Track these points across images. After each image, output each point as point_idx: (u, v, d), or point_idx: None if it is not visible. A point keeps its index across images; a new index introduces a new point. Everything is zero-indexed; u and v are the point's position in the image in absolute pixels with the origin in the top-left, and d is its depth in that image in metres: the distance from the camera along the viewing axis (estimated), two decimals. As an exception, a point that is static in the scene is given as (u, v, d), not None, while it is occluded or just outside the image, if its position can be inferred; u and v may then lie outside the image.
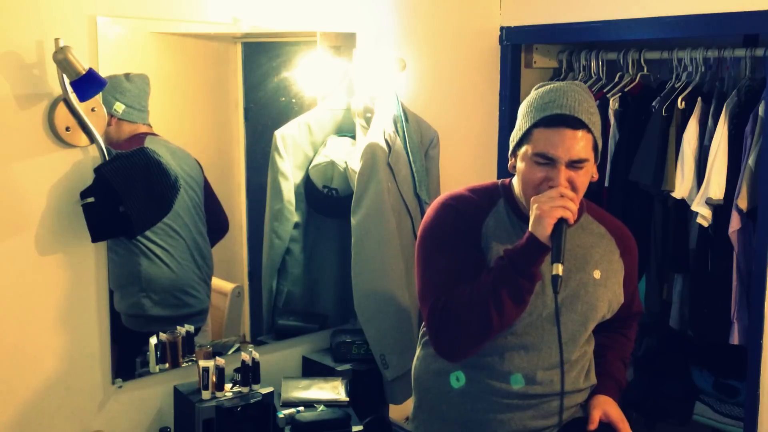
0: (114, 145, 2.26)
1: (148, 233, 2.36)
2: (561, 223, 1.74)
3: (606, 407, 1.99)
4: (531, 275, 1.77)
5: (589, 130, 1.80)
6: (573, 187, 1.79)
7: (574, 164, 1.78)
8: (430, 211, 1.97)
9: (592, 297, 1.93)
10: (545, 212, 1.74)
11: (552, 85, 1.88)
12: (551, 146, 1.78)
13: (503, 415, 1.92)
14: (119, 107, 2.32)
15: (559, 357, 1.87)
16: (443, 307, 1.83)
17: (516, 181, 1.92)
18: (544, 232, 1.74)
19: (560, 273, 1.72)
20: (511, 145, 1.90)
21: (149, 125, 2.40)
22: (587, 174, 1.83)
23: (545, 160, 1.79)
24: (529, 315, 1.87)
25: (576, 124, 1.78)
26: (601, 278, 1.95)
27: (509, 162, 1.92)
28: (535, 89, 1.93)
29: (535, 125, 1.81)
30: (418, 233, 1.97)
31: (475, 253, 1.89)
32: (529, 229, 1.77)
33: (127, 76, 2.33)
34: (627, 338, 2.18)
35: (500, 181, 2.01)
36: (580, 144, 1.78)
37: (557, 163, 1.78)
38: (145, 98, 2.39)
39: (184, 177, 2.45)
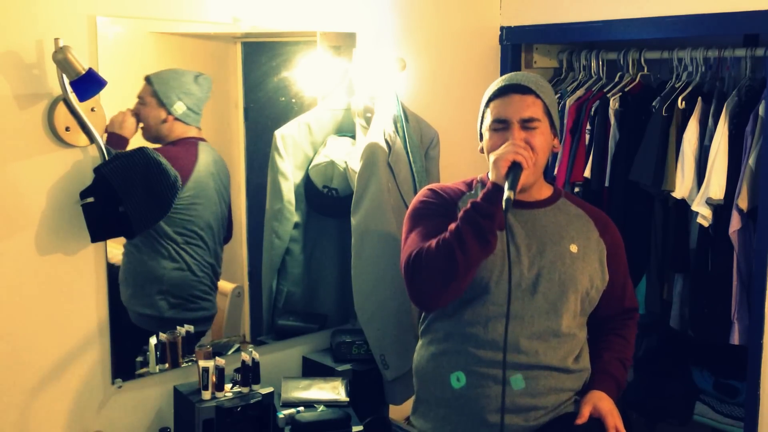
0: (160, 142, 2.35)
1: (176, 237, 2.39)
2: (515, 165, 1.90)
3: (597, 402, 2.00)
4: (491, 214, 1.87)
5: (538, 96, 1.99)
6: (530, 147, 1.95)
7: (526, 124, 1.97)
8: (413, 199, 2.14)
9: (570, 268, 2.01)
10: (500, 157, 1.91)
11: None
12: (503, 110, 1.98)
13: (493, 388, 1.95)
14: (179, 108, 2.36)
15: (506, 312, 1.91)
16: (415, 256, 1.94)
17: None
18: (500, 173, 1.89)
19: (511, 197, 1.84)
20: (478, 131, 2.09)
21: (199, 128, 2.45)
22: (543, 136, 1.99)
23: (500, 124, 1.98)
24: (506, 284, 1.94)
25: (523, 90, 1.99)
26: (578, 252, 2.04)
27: (479, 147, 2.08)
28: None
29: (490, 100, 2.03)
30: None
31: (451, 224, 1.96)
32: (489, 177, 1.93)
33: (197, 77, 2.36)
34: (623, 338, 2.17)
35: (480, 175, 2.16)
36: (528, 105, 1.98)
37: (510, 124, 1.97)
38: (204, 103, 2.43)
39: (221, 188, 2.50)
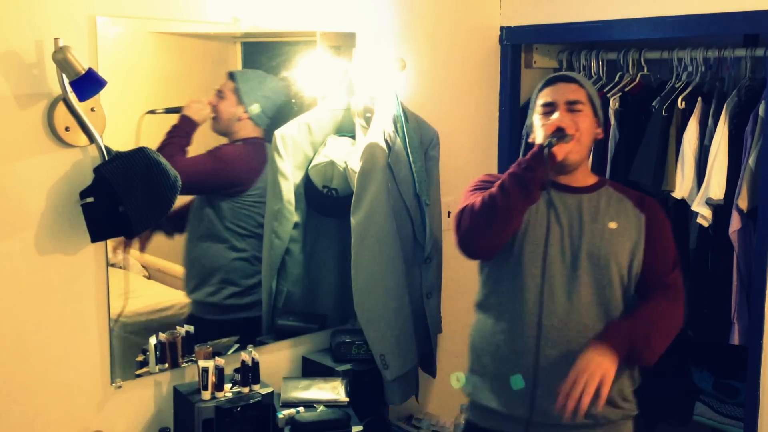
0: (227, 137, 2.51)
1: (240, 230, 2.56)
2: (558, 129, 2.08)
3: (580, 362, 1.98)
4: (532, 167, 2.04)
5: (581, 85, 2.17)
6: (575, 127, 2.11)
7: (571, 106, 2.13)
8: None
9: (608, 243, 2.12)
10: (546, 124, 2.11)
11: None
12: (550, 95, 2.17)
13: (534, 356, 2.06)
14: (255, 109, 2.51)
15: (540, 286, 2.09)
16: (463, 207, 2.15)
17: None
18: (545, 134, 2.09)
19: (553, 142, 2.05)
20: (530, 128, 2.24)
21: (264, 129, 2.57)
22: (587, 118, 2.14)
23: (548, 107, 2.15)
24: (550, 258, 2.09)
25: (568, 79, 2.19)
26: (618, 228, 2.14)
27: (529, 140, 2.25)
28: None
29: (538, 92, 2.21)
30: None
31: None
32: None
33: (277, 81, 2.51)
34: (653, 303, 2.12)
35: None
36: (572, 90, 2.15)
37: (557, 105, 2.13)
38: (277, 107, 2.57)
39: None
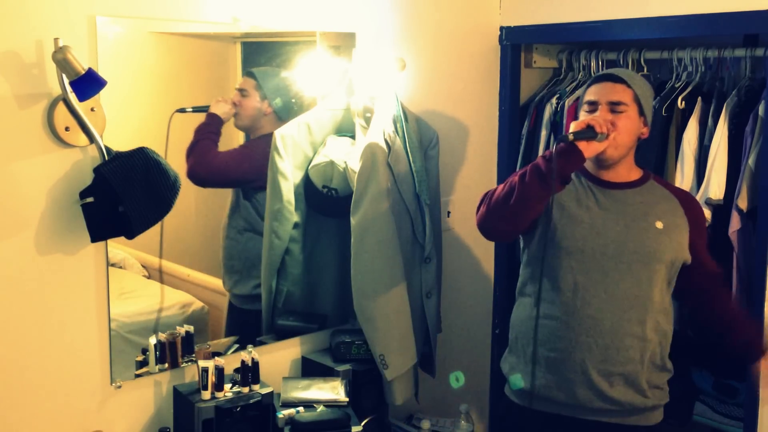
0: (249, 133, 2.61)
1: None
2: (588, 127, 2.12)
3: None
4: (551, 159, 2.10)
5: (629, 86, 2.20)
6: (613, 125, 2.17)
7: (613, 106, 2.18)
8: None
9: (654, 242, 2.20)
10: (577, 122, 2.15)
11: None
12: (594, 94, 2.22)
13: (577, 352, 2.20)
14: (279, 102, 2.59)
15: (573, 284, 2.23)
16: (486, 193, 2.25)
17: None
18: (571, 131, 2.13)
19: (570, 137, 2.11)
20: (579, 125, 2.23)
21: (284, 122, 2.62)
22: (629, 120, 2.19)
23: (591, 106, 2.21)
24: (593, 252, 2.19)
25: (615, 79, 2.22)
26: (664, 228, 2.22)
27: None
28: None
29: (586, 88, 2.27)
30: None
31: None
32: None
33: (289, 75, 2.60)
34: (731, 303, 2.43)
35: None
36: (617, 91, 2.19)
37: (599, 105, 2.19)
38: (292, 100, 2.63)
39: None
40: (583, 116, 2.22)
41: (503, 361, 2.42)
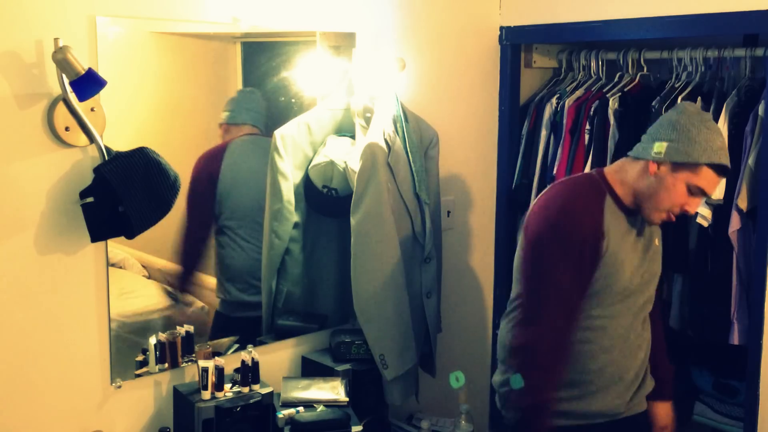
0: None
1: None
2: None
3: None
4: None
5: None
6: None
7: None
8: (544, 212, 2.16)
9: (657, 263, 2.30)
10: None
11: (711, 123, 2.12)
12: (711, 187, 2.10)
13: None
14: (224, 115, 2.56)
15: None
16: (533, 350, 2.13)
17: (639, 182, 2.14)
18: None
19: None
20: (673, 156, 2.07)
21: (254, 126, 2.62)
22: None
23: (699, 192, 2.10)
24: (640, 283, 2.22)
25: (726, 175, 2.17)
26: (660, 244, 2.31)
27: (652, 167, 2.09)
28: (699, 116, 2.11)
29: (710, 166, 2.07)
30: (534, 236, 2.15)
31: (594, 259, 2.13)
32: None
33: (240, 91, 2.61)
34: (658, 328, 2.42)
35: (593, 171, 2.29)
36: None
37: (704, 196, 2.13)
38: (252, 101, 2.61)
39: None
40: (681, 195, 2.10)
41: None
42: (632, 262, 2.18)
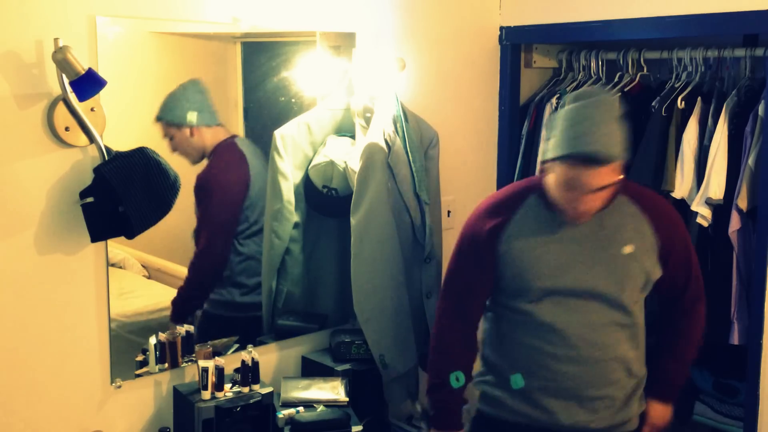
0: (205, 157, 2.51)
1: (246, 232, 2.59)
2: None
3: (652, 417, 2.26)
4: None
5: (617, 160, 1.94)
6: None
7: (597, 189, 1.95)
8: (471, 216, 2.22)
9: (623, 269, 2.07)
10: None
11: (585, 108, 1.95)
12: (578, 180, 1.93)
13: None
14: (192, 116, 2.46)
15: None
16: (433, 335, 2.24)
17: (545, 182, 2.06)
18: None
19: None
20: (548, 153, 2.02)
21: (221, 125, 2.54)
22: (613, 187, 1.99)
23: (571, 188, 1.95)
24: (565, 287, 2.06)
25: (603, 161, 1.91)
26: (634, 252, 2.07)
27: (538, 167, 2.09)
28: (572, 101, 2.00)
29: (569, 156, 1.93)
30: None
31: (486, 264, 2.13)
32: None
33: (182, 87, 2.45)
34: (677, 330, 2.24)
35: (537, 176, 2.17)
36: (603, 175, 1.93)
37: (583, 191, 1.94)
38: (206, 99, 2.52)
39: (265, 173, 2.63)
40: (561, 189, 1.97)
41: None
42: (557, 262, 2.06)
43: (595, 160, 1.90)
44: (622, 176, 2.00)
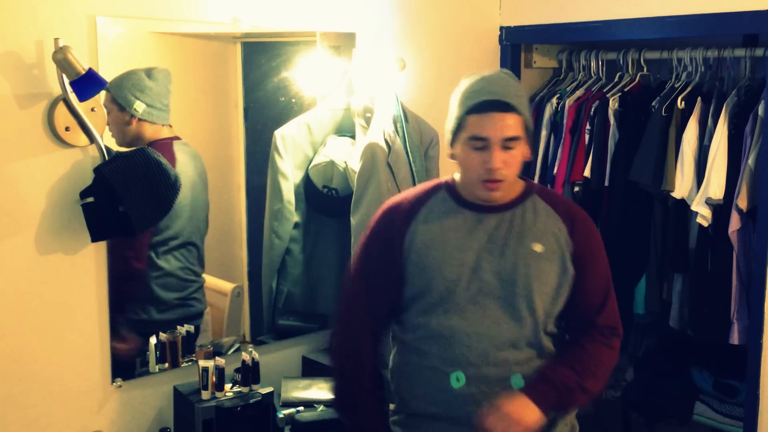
0: (134, 145, 2.27)
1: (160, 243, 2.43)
2: None
3: (503, 404, 1.85)
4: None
5: (519, 113, 1.89)
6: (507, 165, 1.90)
7: (507, 143, 1.87)
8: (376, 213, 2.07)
9: (532, 269, 1.91)
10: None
11: (480, 75, 1.96)
12: (483, 129, 1.87)
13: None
14: (139, 107, 2.30)
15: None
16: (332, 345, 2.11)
17: (458, 171, 1.99)
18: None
19: None
20: (448, 135, 1.98)
21: (170, 126, 2.40)
22: (520, 153, 1.92)
23: (480, 142, 1.88)
24: (467, 292, 1.91)
25: (505, 107, 1.88)
26: (544, 252, 1.93)
27: (447, 152, 2.00)
28: (465, 78, 1.98)
29: (468, 112, 1.90)
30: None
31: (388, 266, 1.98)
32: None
33: (149, 72, 2.31)
34: (583, 348, 1.96)
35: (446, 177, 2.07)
36: (509, 124, 1.88)
37: (490, 144, 1.87)
38: (166, 96, 2.37)
39: (201, 182, 2.50)
40: (469, 154, 1.89)
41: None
42: (463, 255, 1.92)
43: (498, 105, 1.87)
44: (528, 152, 1.94)
